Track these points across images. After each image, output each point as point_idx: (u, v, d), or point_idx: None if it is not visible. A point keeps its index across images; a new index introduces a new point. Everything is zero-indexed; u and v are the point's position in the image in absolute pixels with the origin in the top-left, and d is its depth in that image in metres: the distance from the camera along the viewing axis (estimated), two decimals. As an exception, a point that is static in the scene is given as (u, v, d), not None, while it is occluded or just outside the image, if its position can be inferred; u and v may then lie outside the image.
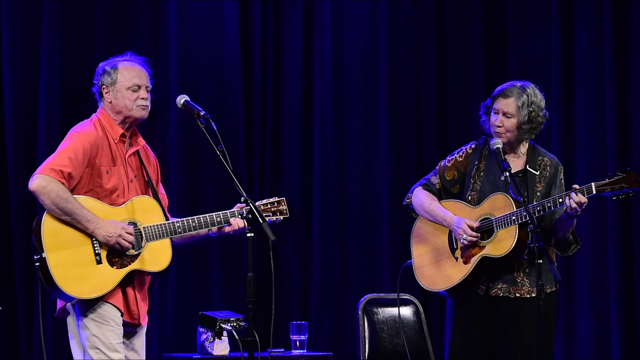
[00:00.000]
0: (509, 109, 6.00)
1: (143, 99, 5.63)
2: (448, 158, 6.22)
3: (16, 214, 7.91)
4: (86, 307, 5.45)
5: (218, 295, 8.38)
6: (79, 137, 5.53)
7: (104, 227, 5.40)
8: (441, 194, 6.19)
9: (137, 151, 5.71)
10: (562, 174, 6.07)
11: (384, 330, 7.18)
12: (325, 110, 8.80)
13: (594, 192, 5.75)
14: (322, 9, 8.81)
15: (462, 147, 6.21)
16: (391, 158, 8.82)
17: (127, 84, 5.63)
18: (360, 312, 7.18)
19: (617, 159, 8.31)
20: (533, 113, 6.00)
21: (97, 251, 5.41)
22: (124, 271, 5.47)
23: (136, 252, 5.50)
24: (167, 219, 5.61)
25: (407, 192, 6.40)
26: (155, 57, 8.30)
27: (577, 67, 8.65)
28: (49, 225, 5.37)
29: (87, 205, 5.41)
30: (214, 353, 7.20)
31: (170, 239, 5.58)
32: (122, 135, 5.64)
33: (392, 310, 7.20)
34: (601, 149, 8.46)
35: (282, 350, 7.53)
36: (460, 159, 6.19)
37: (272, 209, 5.78)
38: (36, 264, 5.34)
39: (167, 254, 5.57)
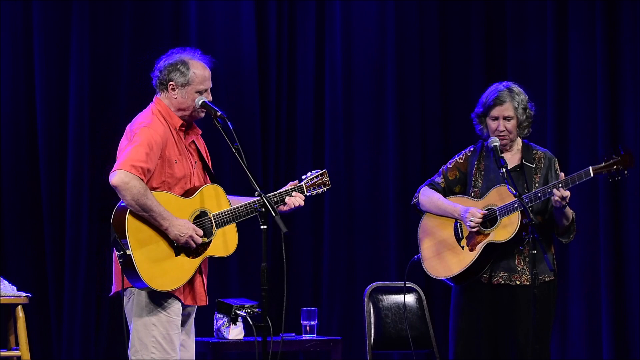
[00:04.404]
0: (508, 113, 6.05)
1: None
2: (449, 161, 6.27)
3: (47, 205, 7.93)
4: (150, 296, 5.39)
5: (235, 284, 8.38)
6: (150, 131, 5.39)
7: (177, 227, 5.32)
8: (445, 193, 6.21)
9: (193, 139, 5.64)
10: (557, 164, 6.10)
11: (388, 316, 7.17)
12: (336, 111, 8.79)
13: (592, 175, 5.79)
14: (333, 16, 8.80)
15: (462, 151, 6.27)
16: (397, 155, 8.81)
17: (198, 87, 5.49)
18: (366, 299, 7.18)
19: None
20: (527, 110, 6.07)
21: (175, 244, 5.36)
22: (199, 259, 5.43)
23: (208, 240, 5.44)
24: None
25: (413, 187, 6.41)
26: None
27: (571, 70, 8.64)
28: (132, 224, 5.29)
29: (162, 199, 5.34)
30: (230, 337, 7.22)
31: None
32: (181, 125, 5.53)
33: (396, 297, 7.19)
34: (593, 146, 8.45)
35: (294, 334, 7.54)
36: (461, 161, 6.23)
37: (318, 182, 5.70)
38: (120, 260, 5.28)
39: (234, 238, 5.53)
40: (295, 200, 5.61)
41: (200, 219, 5.46)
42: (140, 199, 5.26)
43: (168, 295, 5.41)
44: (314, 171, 5.74)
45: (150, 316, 5.40)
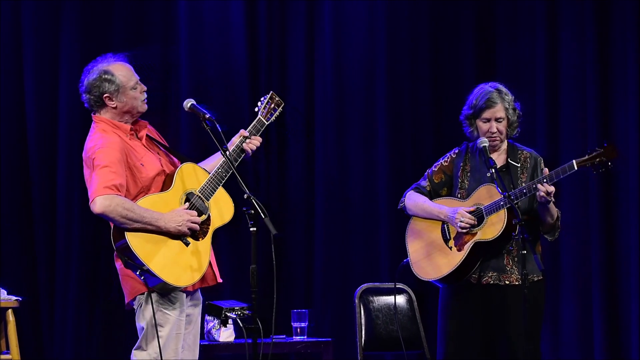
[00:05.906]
0: (500, 114, 6.05)
1: (144, 92, 5.59)
2: (435, 164, 6.25)
3: (38, 208, 7.94)
4: (155, 298, 5.40)
5: (227, 286, 8.35)
6: (106, 151, 5.39)
7: (171, 220, 5.34)
8: (431, 196, 6.19)
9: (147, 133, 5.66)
10: (542, 164, 6.08)
11: (379, 318, 7.16)
12: (327, 112, 8.76)
13: (576, 168, 5.77)
14: (323, 16, 8.77)
15: (447, 154, 6.26)
16: (389, 156, 8.77)
17: (130, 84, 5.53)
18: (357, 301, 7.17)
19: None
20: (516, 110, 6.09)
21: (182, 238, 5.39)
22: (209, 237, 5.48)
23: (207, 215, 5.47)
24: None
25: (405, 188, 6.40)
26: (167, 62, 8.33)
27: (561, 69, 8.62)
28: (135, 241, 5.29)
29: (148, 204, 5.35)
30: (220, 340, 7.22)
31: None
32: (131, 129, 5.56)
33: (387, 299, 7.19)
34: (583, 145, 8.42)
35: (284, 336, 7.53)
36: (446, 164, 6.22)
37: (271, 107, 5.77)
38: (141, 277, 5.29)
39: (229, 202, 5.56)
40: (252, 144, 5.71)
41: (190, 201, 5.48)
42: (128, 214, 5.27)
43: (174, 296, 5.44)
44: (262, 99, 5.79)
45: (156, 317, 5.40)
